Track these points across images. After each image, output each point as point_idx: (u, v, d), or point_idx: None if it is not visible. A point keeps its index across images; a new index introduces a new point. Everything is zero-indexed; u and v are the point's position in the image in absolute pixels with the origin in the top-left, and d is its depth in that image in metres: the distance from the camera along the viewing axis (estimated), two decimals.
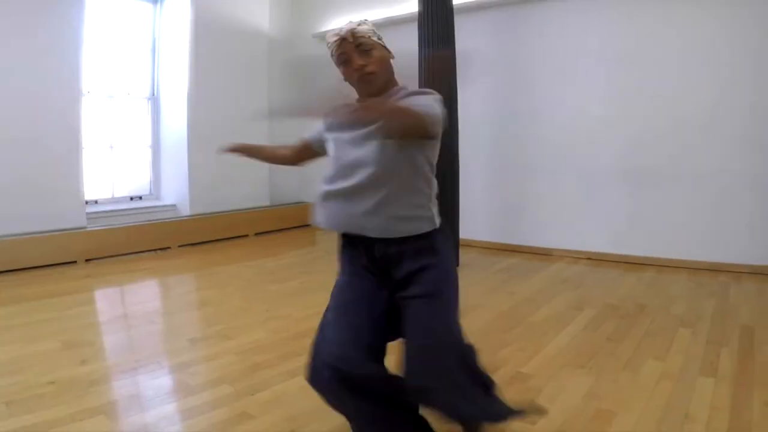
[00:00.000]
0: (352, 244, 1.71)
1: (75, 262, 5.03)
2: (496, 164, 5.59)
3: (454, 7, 4.71)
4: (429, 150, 1.66)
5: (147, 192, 6.45)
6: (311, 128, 1.92)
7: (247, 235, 6.49)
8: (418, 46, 4.67)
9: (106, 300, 4.21)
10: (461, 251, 4.94)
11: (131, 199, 6.28)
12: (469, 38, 5.29)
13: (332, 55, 1.68)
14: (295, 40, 7.33)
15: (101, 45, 5.81)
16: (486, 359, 2.22)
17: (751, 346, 2.89)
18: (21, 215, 4.84)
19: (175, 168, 6.26)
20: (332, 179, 1.66)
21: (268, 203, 7.12)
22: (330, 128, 1.77)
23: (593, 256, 5.02)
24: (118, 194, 6.18)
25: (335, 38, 1.65)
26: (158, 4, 6.24)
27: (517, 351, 2.92)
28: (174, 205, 6.28)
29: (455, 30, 4.69)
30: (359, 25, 1.65)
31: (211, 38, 6.19)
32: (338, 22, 6.45)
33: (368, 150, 1.59)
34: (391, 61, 1.72)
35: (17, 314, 3.59)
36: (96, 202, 5.87)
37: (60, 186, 5.13)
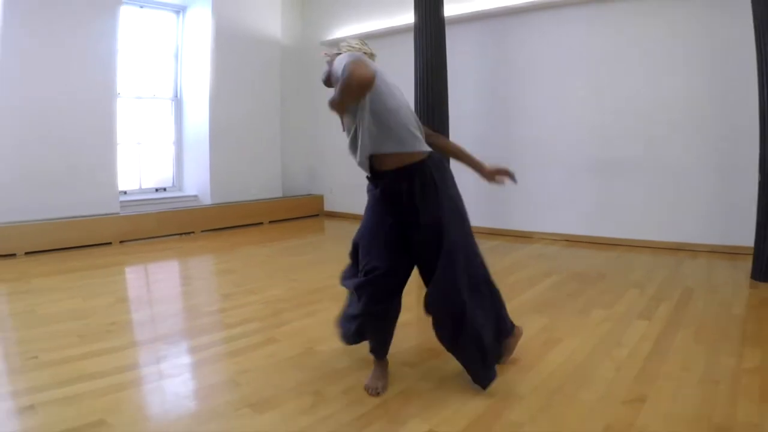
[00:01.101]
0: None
1: (110, 243, 5.70)
2: (484, 157, 6.18)
3: (446, 18, 5.37)
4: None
5: (170, 184, 7.12)
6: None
7: (261, 223, 7.15)
8: (414, 53, 5.34)
9: (144, 270, 4.89)
10: None
11: (156, 190, 6.94)
12: (460, 46, 5.98)
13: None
14: (304, 47, 8.01)
15: (131, 52, 6.49)
16: None
17: (687, 301, 3.47)
18: (65, 203, 5.52)
19: (197, 162, 6.92)
20: None
21: (280, 194, 7.78)
22: None
23: (569, 238, 5.65)
24: (145, 186, 6.85)
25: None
26: (181, 15, 6.92)
27: None
28: (196, 196, 6.95)
29: (447, 39, 5.35)
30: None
31: (230, 45, 6.87)
32: (343, 32, 7.17)
33: None
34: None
35: (73, 279, 4.27)
36: (125, 192, 6.53)
37: (97, 177, 5.80)
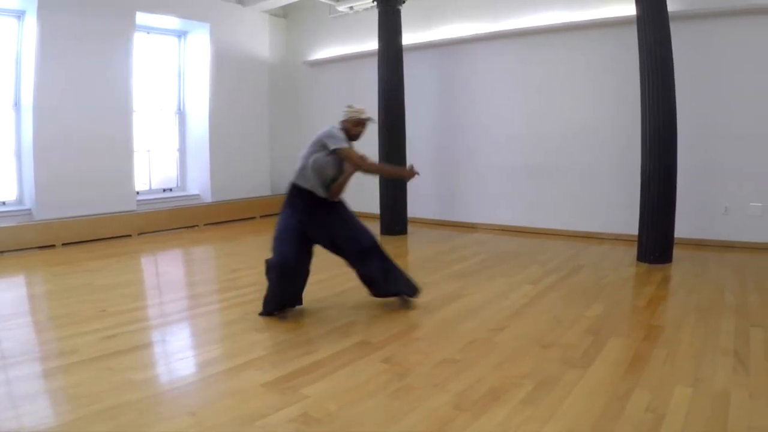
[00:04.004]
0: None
1: (130, 235, 6.95)
2: (438, 162, 7.54)
3: (404, 46, 6.69)
4: None
5: (175, 185, 8.35)
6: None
7: (254, 217, 8.43)
8: (378, 75, 6.62)
9: (163, 255, 6.18)
10: (410, 225, 6.94)
11: (164, 190, 8.16)
12: (417, 69, 7.27)
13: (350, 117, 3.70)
14: (289, 67, 9.26)
15: (141, 72, 7.68)
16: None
17: (572, 274, 4.73)
18: (91, 201, 6.74)
19: (199, 166, 8.17)
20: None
21: (269, 192, 9.03)
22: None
23: (504, 228, 6.99)
24: (154, 187, 8.07)
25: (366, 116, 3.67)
26: (182, 39, 8.13)
27: (426, 272, 4.89)
28: (198, 194, 8.20)
29: (406, 63, 6.68)
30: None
31: (225, 65, 8.11)
32: (323, 53, 8.40)
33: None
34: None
35: (112, 263, 5.54)
36: (138, 192, 7.74)
37: (118, 180, 7.03)
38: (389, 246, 6.18)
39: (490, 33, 6.85)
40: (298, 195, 3.67)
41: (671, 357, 2.87)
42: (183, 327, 3.65)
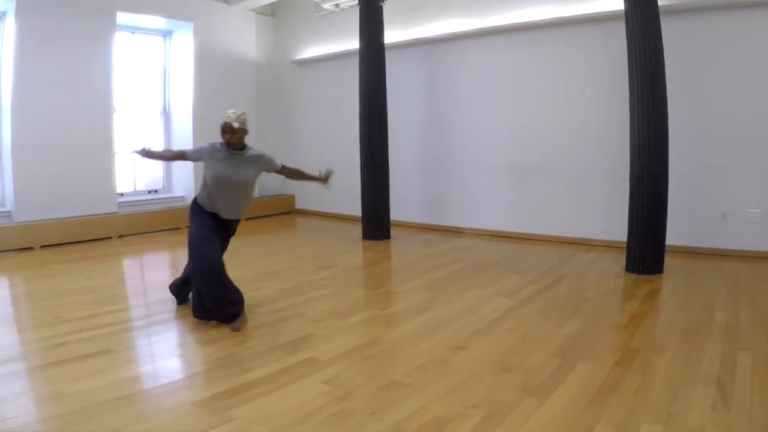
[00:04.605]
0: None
1: (110, 237, 6.80)
2: (423, 164, 7.33)
3: (387, 45, 6.49)
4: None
5: (161, 186, 8.19)
6: (196, 148, 3.80)
7: (238, 220, 8.21)
8: (359, 75, 6.42)
9: (138, 259, 6.04)
10: (393, 228, 6.75)
11: (149, 192, 8.02)
12: (401, 68, 7.06)
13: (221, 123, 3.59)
14: (276, 66, 9.09)
15: (126, 72, 7.54)
16: (373, 284, 4.35)
17: (553, 285, 4.46)
18: (71, 202, 6.62)
19: (183, 167, 7.98)
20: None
21: (256, 194, 8.83)
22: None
23: (492, 233, 6.75)
24: (139, 188, 7.93)
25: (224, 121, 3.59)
26: (168, 39, 7.98)
27: (397, 281, 4.69)
28: (183, 196, 8.04)
29: (388, 61, 6.47)
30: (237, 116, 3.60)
31: (210, 64, 7.95)
32: (311, 52, 8.20)
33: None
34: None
35: (82, 266, 5.41)
36: (122, 194, 7.61)
37: (98, 181, 6.90)
38: (368, 252, 6.06)
39: (477, 30, 6.62)
40: None
41: (644, 387, 2.60)
42: (133, 337, 3.47)
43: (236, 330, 3.50)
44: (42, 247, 6.21)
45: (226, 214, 3.71)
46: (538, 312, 3.81)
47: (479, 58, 6.72)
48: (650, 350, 3.08)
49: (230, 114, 3.58)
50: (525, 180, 6.49)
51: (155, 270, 5.71)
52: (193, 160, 3.80)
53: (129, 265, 5.78)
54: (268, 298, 4.20)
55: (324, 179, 3.97)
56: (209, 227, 3.65)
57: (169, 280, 4.25)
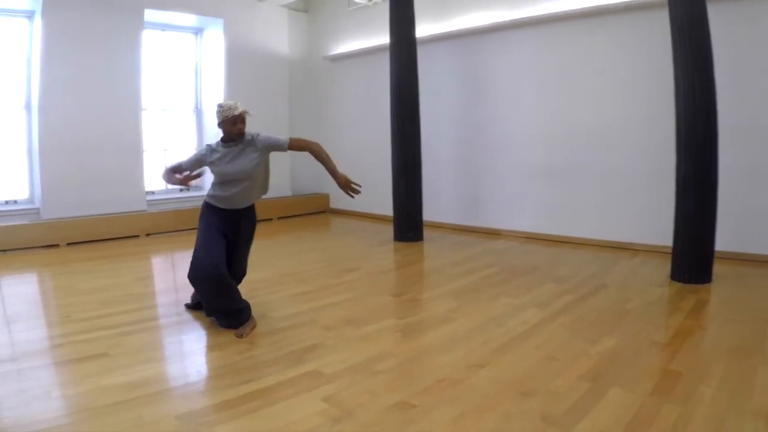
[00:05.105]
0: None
1: (138, 236, 6.75)
2: (457, 162, 6.99)
3: (418, 39, 6.20)
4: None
5: (193, 184, 8.11)
6: (194, 158, 3.57)
7: (271, 219, 8.09)
8: (389, 70, 6.15)
9: (162, 258, 5.95)
10: (426, 230, 6.43)
11: (180, 190, 7.95)
12: (431, 62, 6.77)
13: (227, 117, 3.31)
14: (309, 62, 8.91)
15: (157, 70, 7.50)
16: (397, 290, 4.19)
17: (591, 295, 4.05)
18: (99, 201, 6.60)
19: None
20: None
21: (290, 193, 8.70)
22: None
23: (529, 235, 6.36)
24: (171, 186, 7.85)
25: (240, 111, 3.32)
26: (199, 36, 7.90)
27: (424, 287, 4.40)
28: None
29: (421, 55, 6.17)
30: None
31: (241, 61, 7.83)
32: (343, 47, 7.98)
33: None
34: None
35: (102, 264, 5.35)
36: (153, 192, 7.57)
37: (127, 179, 6.86)
38: (397, 254, 5.78)
39: (511, 21, 6.23)
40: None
41: (684, 419, 2.22)
42: (135, 339, 3.29)
43: (241, 336, 3.29)
44: (68, 244, 6.20)
45: (242, 204, 3.50)
46: (571, 326, 3.44)
47: (514, 50, 6.34)
48: (693, 374, 2.68)
49: (236, 105, 3.35)
50: (565, 179, 6.08)
51: (175, 269, 5.58)
52: (191, 169, 3.55)
53: (150, 265, 5.69)
54: (283, 302, 3.98)
55: (343, 183, 3.51)
56: (216, 230, 3.44)
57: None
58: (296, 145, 3.50)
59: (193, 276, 3.36)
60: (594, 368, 2.78)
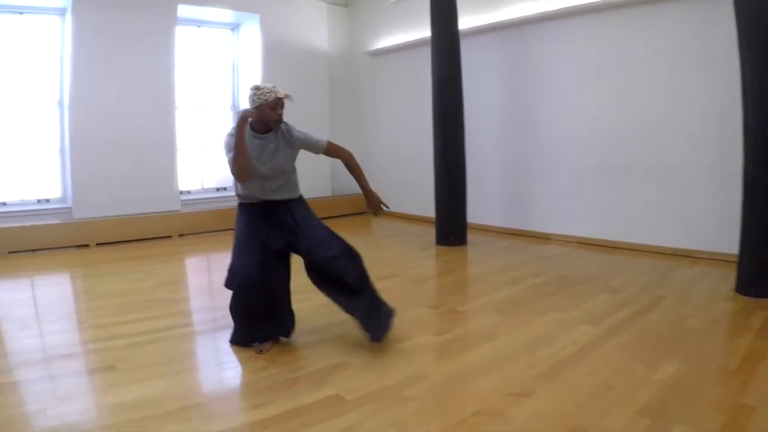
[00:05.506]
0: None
1: (170, 236, 6.59)
2: (504, 161, 6.55)
3: (462, 31, 5.80)
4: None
5: (230, 184, 7.94)
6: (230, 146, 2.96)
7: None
8: (431, 65, 5.78)
9: (191, 260, 5.77)
10: (470, 233, 6.03)
11: (217, 189, 7.79)
12: (476, 54, 6.36)
13: (267, 100, 2.84)
14: (350, 58, 8.62)
15: (193, 66, 7.35)
16: (436, 300, 3.85)
17: (648, 310, 3.60)
18: (131, 200, 6.48)
19: None
20: None
21: (330, 194, 8.44)
22: None
23: (581, 240, 5.86)
24: (207, 186, 7.72)
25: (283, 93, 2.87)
26: (236, 32, 7.72)
27: (464, 297, 4.05)
28: None
29: (461, 50, 5.76)
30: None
31: (279, 57, 7.59)
32: (385, 42, 7.66)
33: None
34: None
35: (129, 266, 5.18)
36: (189, 192, 7.43)
37: (160, 179, 6.73)
38: (438, 260, 5.40)
39: (562, 9, 5.74)
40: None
41: None
42: (146, 352, 3.03)
43: (260, 352, 2.99)
44: (98, 244, 6.08)
45: (273, 196, 3.05)
46: (628, 347, 3.00)
47: (563, 41, 5.86)
48: None
49: (275, 87, 2.88)
50: (620, 180, 5.56)
51: (204, 273, 5.38)
52: None
53: (178, 268, 5.48)
54: (310, 313, 3.65)
55: (375, 202, 3.29)
56: (252, 231, 3.02)
57: (217, 285, 3.83)
58: (332, 150, 3.16)
59: (232, 284, 3.03)
60: (654, 400, 2.36)
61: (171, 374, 2.76)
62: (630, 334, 3.19)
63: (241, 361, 2.91)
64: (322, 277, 3.09)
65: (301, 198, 3.21)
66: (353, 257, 3.09)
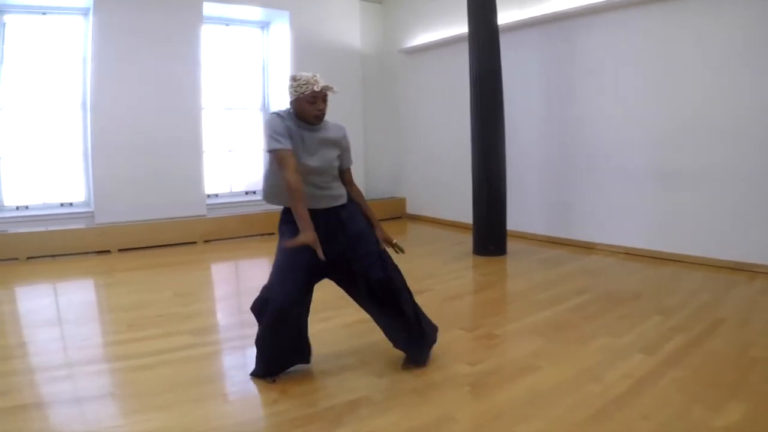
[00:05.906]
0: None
1: (195, 242, 6.38)
2: (546, 164, 6.13)
3: (501, 26, 5.41)
4: None
5: (260, 188, 7.72)
6: (281, 135, 2.51)
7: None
8: (468, 62, 5.41)
9: (213, 268, 5.57)
10: (510, 241, 5.64)
11: (246, 193, 7.58)
12: (515, 52, 5.96)
13: (303, 93, 2.51)
14: (383, 56, 8.29)
15: (221, 66, 7.14)
16: (470, 321, 3.50)
17: (707, 336, 3.19)
18: (156, 205, 6.32)
19: None
20: None
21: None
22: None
23: (629, 251, 5.40)
24: (236, 189, 7.51)
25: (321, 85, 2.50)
26: (265, 30, 7.48)
27: (502, 317, 3.68)
28: None
29: (501, 46, 5.37)
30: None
31: (310, 56, 7.33)
32: (420, 39, 7.32)
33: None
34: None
35: (145, 276, 5.01)
36: (217, 195, 7.23)
37: (185, 182, 6.55)
38: (475, 272, 5.04)
39: (608, 2, 5.30)
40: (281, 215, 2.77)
41: None
42: (148, 377, 2.77)
43: (272, 382, 2.70)
44: (120, 250, 5.91)
45: (313, 205, 2.59)
46: (686, 383, 2.59)
47: (613, 36, 5.40)
48: None
49: (315, 77, 2.52)
50: (672, 187, 5.08)
51: (223, 283, 5.12)
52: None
53: (198, 277, 5.22)
54: (332, 335, 3.35)
55: (387, 238, 2.87)
56: (293, 249, 2.45)
57: (234, 296, 3.57)
58: (349, 176, 2.84)
59: (260, 306, 2.67)
60: None
61: (169, 405, 2.48)
62: (687, 366, 2.77)
63: (251, 392, 2.63)
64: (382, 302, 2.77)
65: (351, 202, 2.78)
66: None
